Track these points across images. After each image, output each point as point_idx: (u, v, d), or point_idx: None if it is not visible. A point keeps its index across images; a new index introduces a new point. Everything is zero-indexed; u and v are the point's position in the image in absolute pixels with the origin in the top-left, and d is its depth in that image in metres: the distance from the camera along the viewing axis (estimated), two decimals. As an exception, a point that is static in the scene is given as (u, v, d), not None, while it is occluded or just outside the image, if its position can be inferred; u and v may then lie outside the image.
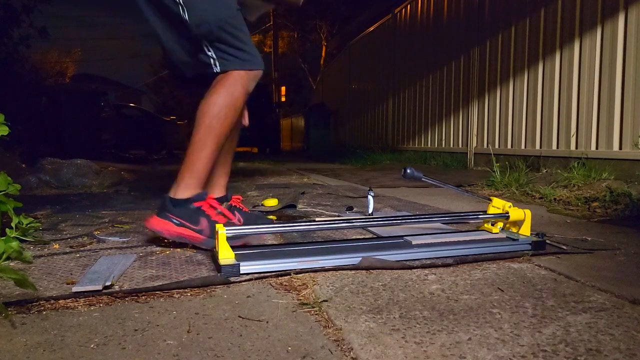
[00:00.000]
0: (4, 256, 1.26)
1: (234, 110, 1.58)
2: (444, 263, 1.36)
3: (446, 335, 0.88)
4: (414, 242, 1.50)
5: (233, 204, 1.88)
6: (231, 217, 1.59)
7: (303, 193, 3.08)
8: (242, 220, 1.88)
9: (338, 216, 2.26)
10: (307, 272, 1.28)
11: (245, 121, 1.93)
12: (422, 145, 6.68)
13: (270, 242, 1.67)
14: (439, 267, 1.34)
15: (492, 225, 1.66)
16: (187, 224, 1.51)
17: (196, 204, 1.53)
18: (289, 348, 0.83)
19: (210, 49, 1.57)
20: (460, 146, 5.63)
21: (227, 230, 1.31)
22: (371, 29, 9.10)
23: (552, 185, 2.91)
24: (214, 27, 1.54)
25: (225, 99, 1.56)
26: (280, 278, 1.24)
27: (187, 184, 1.55)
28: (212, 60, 1.57)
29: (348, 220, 1.55)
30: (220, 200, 1.84)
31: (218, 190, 1.85)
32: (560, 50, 3.94)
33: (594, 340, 0.86)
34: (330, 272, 1.28)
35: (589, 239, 1.71)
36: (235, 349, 0.83)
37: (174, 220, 1.50)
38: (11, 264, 1.35)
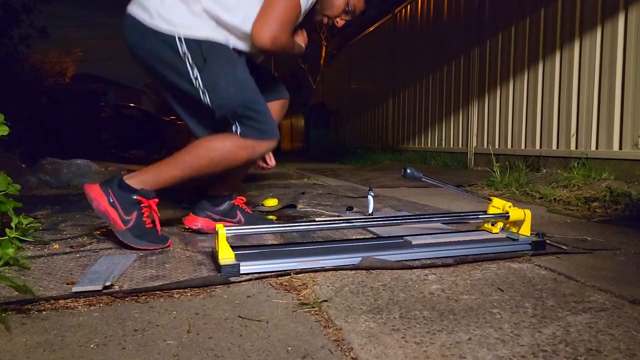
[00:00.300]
0: (1, 262, 1.25)
1: (226, 164, 1.62)
2: (444, 263, 1.36)
3: (446, 335, 0.88)
4: (414, 242, 1.50)
5: (236, 204, 1.89)
6: (157, 224, 1.60)
7: (303, 193, 3.09)
8: (243, 220, 1.89)
9: (338, 216, 2.26)
10: (307, 272, 1.28)
11: (272, 163, 1.98)
12: (422, 145, 6.67)
13: (270, 242, 1.67)
14: (439, 267, 1.34)
15: (492, 225, 1.66)
16: (119, 208, 1.53)
17: (139, 198, 1.55)
18: (289, 348, 0.83)
19: (234, 122, 1.61)
20: (460, 146, 5.63)
21: (226, 230, 1.31)
22: (371, 29, 9.10)
23: (552, 185, 2.91)
24: (237, 108, 1.58)
25: (226, 153, 1.60)
26: (280, 278, 1.24)
27: (144, 179, 1.58)
28: (233, 128, 1.61)
29: (348, 220, 1.55)
30: (224, 198, 1.84)
31: (225, 187, 1.86)
32: (560, 50, 3.94)
33: (594, 340, 0.86)
34: (330, 272, 1.28)
35: (589, 239, 1.71)
36: (235, 349, 0.83)
37: (110, 199, 1.53)
38: (12, 265, 1.34)
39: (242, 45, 1.63)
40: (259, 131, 1.61)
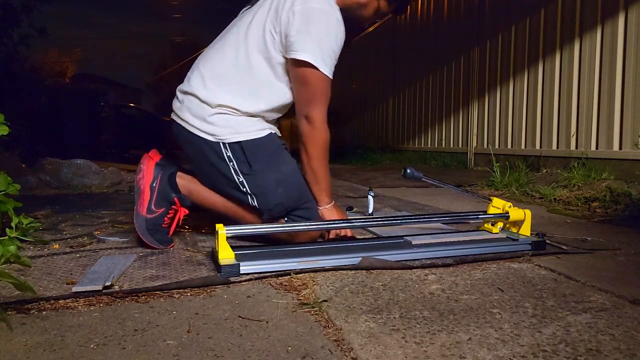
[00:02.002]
0: (2, 260, 1.26)
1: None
2: (444, 263, 1.36)
3: (446, 335, 0.88)
4: (414, 242, 1.49)
5: None
6: (171, 228, 1.62)
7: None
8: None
9: (338, 216, 2.26)
10: (307, 272, 1.28)
11: None
12: (422, 145, 6.67)
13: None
14: (439, 267, 1.34)
15: (492, 225, 1.65)
16: (155, 196, 1.55)
17: (175, 200, 1.57)
18: (289, 348, 0.83)
19: (284, 217, 1.62)
20: (460, 146, 5.63)
21: (227, 230, 1.31)
22: (371, 29, 9.09)
23: (552, 185, 2.91)
24: (288, 207, 1.58)
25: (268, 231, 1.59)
26: (280, 278, 1.24)
27: (191, 189, 1.61)
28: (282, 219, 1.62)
29: (348, 220, 1.55)
30: None
31: None
32: (560, 50, 3.94)
33: (594, 340, 0.86)
34: (330, 272, 1.28)
35: (589, 239, 1.71)
36: (235, 349, 0.83)
37: (155, 182, 1.55)
38: (11, 265, 1.34)
39: (272, 118, 1.65)
40: (304, 219, 1.60)
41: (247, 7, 1.70)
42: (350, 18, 1.67)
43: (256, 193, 1.55)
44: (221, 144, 1.54)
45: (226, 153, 1.54)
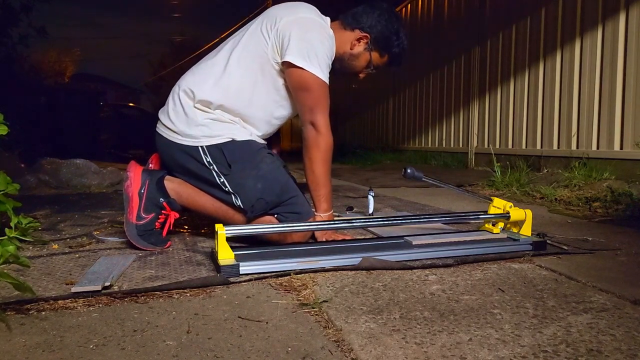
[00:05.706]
0: (1, 260, 1.25)
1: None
2: (444, 263, 1.35)
3: (447, 336, 0.88)
4: (414, 243, 1.49)
5: None
6: (164, 229, 1.62)
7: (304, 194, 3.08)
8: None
9: (338, 216, 2.25)
10: (307, 272, 1.27)
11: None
12: (423, 145, 6.67)
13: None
14: (439, 268, 1.33)
15: (493, 225, 1.65)
16: (143, 202, 1.55)
17: (165, 204, 1.57)
18: (289, 349, 0.83)
19: (272, 212, 1.61)
20: (460, 146, 5.62)
21: (226, 230, 1.31)
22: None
23: (553, 185, 2.91)
24: (271, 202, 1.58)
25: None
26: (280, 278, 1.24)
27: (179, 191, 1.61)
28: (275, 216, 1.62)
29: (348, 220, 1.55)
30: None
31: None
32: (561, 49, 3.93)
33: (595, 340, 0.86)
34: (331, 273, 1.28)
35: (590, 239, 1.71)
36: (234, 349, 0.83)
37: (142, 189, 1.55)
38: (10, 265, 1.34)
39: (258, 132, 1.69)
40: (295, 214, 1.60)
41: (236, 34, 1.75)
42: (342, 68, 1.78)
43: (237, 191, 1.56)
44: (200, 148, 1.56)
45: (206, 159, 1.56)
